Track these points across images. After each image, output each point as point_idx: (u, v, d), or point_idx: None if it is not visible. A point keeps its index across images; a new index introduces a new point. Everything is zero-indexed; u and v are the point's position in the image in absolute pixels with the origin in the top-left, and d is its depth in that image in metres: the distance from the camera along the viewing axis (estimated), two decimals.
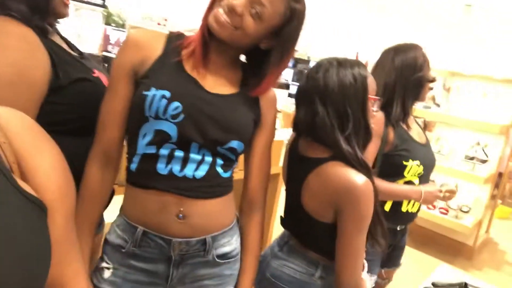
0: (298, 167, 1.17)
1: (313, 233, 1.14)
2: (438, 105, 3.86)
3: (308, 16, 0.99)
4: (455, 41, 4.22)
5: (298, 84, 1.21)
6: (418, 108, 3.74)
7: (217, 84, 0.99)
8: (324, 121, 1.07)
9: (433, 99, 3.89)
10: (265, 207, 1.15)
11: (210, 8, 0.96)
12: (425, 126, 3.90)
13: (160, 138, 0.92)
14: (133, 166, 0.97)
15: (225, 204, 1.03)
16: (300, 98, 1.16)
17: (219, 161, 0.98)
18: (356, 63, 1.12)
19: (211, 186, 0.98)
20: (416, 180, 1.61)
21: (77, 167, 0.83)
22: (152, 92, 0.91)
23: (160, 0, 5.50)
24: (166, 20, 5.25)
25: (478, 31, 5.11)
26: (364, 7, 6.00)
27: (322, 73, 1.09)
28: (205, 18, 0.96)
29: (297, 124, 1.18)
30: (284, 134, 4.43)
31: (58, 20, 1.09)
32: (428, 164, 1.65)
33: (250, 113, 1.03)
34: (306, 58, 9.35)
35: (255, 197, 1.11)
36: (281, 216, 1.29)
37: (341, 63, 1.10)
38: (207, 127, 0.93)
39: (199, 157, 0.95)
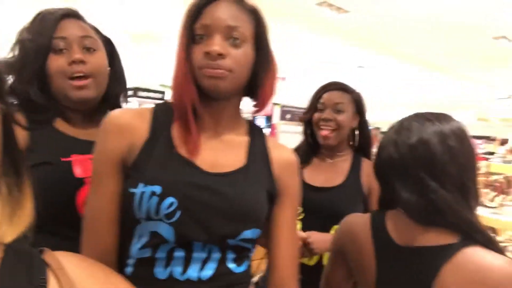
0: (410, 262, 0.90)
1: None
2: None
3: None
4: None
5: (382, 154, 0.96)
6: (495, 163, 3.39)
7: (219, 157, 0.85)
8: (446, 200, 0.86)
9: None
10: None
11: (184, 71, 0.82)
12: (509, 183, 3.47)
13: (156, 241, 0.79)
14: (128, 270, 0.82)
15: None
16: (396, 174, 0.92)
17: (230, 255, 0.83)
18: (446, 116, 0.93)
19: (223, 287, 0.82)
20: None
21: None
22: (140, 189, 0.77)
23: None
24: None
25: None
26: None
27: (417, 138, 0.89)
28: (187, 83, 0.82)
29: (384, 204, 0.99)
30: None
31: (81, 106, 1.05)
32: None
33: (264, 186, 0.87)
34: None
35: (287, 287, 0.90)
36: None
37: (431, 120, 0.91)
38: (210, 221, 0.79)
39: (204, 254, 0.80)
